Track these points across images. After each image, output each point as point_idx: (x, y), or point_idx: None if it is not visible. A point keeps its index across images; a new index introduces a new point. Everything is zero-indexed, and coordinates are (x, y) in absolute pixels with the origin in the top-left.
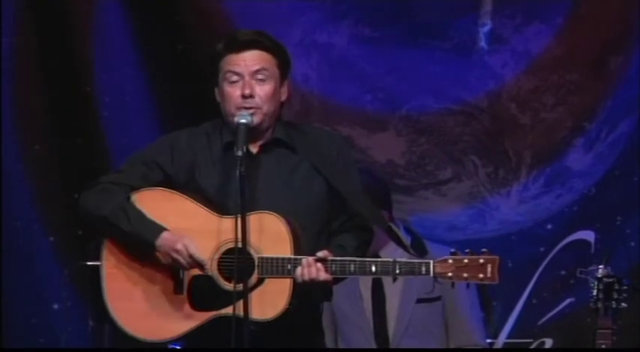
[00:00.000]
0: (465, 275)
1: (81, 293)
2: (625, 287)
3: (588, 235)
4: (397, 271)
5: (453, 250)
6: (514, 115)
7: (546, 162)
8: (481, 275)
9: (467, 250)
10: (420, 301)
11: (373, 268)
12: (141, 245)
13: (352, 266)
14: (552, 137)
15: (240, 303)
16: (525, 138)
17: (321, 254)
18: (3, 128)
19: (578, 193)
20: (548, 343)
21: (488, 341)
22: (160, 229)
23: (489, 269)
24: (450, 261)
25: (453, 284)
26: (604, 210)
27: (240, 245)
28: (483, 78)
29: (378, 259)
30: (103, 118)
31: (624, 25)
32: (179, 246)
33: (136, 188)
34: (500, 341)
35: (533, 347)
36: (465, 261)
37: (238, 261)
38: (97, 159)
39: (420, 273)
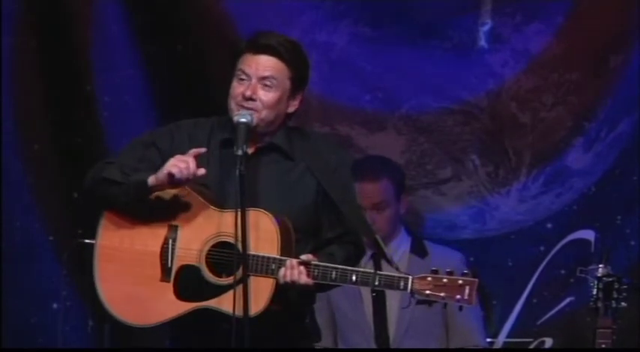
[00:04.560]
0: (443, 294)
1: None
2: (625, 287)
3: (588, 234)
4: (376, 283)
5: (434, 268)
6: (514, 114)
7: (546, 161)
8: (458, 297)
9: (448, 269)
10: (420, 302)
11: (354, 277)
12: (136, 191)
13: (334, 273)
14: (552, 136)
15: (225, 298)
16: (525, 137)
17: (304, 257)
18: (3, 128)
19: (578, 192)
20: (548, 342)
21: (488, 340)
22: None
23: (467, 291)
24: (429, 278)
25: (430, 303)
26: (604, 209)
27: (233, 241)
28: (483, 77)
29: (360, 269)
30: (103, 118)
31: (624, 25)
32: (174, 158)
33: (132, 168)
34: (500, 340)
35: (533, 346)
36: (444, 280)
37: (230, 258)
38: (97, 159)
39: (398, 288)
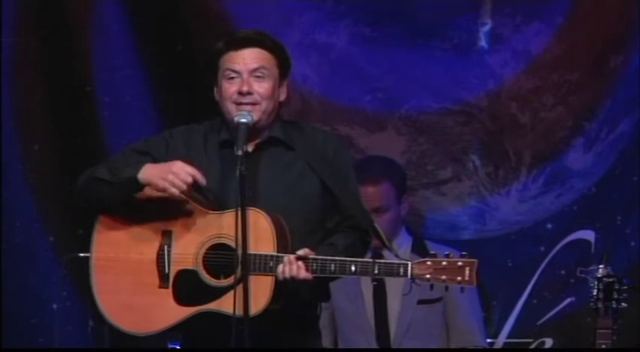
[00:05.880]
0: (443, 277)
1: (79, 291)
2: (625, 287)
3: (588, 235)
4: (376, 271)
5: (434, 252)
6: (514, 115)
7: (546, 161)
8: (459, 278)
9: (446, 253)
10: (420, 302)
11: (353, 268)
12: (128, 189)
13: (332, 265)
14: (552, 136)
15: (225, 299)
16: (525, 137)
17: (301, 252)
18: (3, 128)
19: (578, 193)
20: (548, 343)
21: (489, 340)
22: (141, 166)
23: (467, 272)
24: (429, 262)
25: (431, 286)
26: (604, 210)
27: (229, 242)
28: (483, 77)
29: (358, 259)
30: (103, 118)
31: (624, 25)
32: (176, 167)
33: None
34: (500, 341)
35: (533, 347)
36: (444, 263)
37: (227, 260)
38: (97, 159)
39: (398, 274)
